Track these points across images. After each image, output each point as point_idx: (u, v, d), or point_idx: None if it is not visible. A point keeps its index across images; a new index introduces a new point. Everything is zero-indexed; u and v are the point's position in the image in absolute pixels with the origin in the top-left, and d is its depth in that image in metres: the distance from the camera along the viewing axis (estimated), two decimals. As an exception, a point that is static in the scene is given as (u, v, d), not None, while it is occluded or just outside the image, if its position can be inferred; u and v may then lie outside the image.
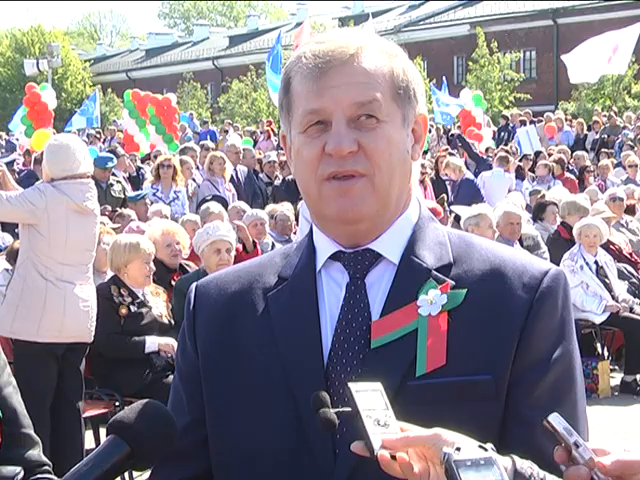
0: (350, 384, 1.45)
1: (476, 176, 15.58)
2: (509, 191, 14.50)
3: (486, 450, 1.35)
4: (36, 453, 2.04)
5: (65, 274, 6.22)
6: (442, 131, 23.10)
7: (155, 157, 14.91)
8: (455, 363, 1.62)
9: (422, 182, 14.68)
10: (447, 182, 15.32)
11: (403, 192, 1.73)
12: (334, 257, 1.75)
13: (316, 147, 1.67)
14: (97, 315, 6.35)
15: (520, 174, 16.42)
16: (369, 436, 1.39)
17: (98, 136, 25.43)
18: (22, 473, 1.94)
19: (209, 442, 1.76)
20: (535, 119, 24.90)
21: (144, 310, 6.75)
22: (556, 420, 1.41)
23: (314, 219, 1.78)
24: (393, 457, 1.38)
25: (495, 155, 16.88)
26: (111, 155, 14.61)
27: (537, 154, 18.32)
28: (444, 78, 25.11)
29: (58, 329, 6.14)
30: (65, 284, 6.20)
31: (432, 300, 1.66)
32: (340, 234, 1.73)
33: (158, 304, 6.89)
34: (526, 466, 1.43)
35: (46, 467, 2.04)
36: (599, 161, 18.62)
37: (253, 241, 8.48)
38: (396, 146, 1.69)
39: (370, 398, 1.43)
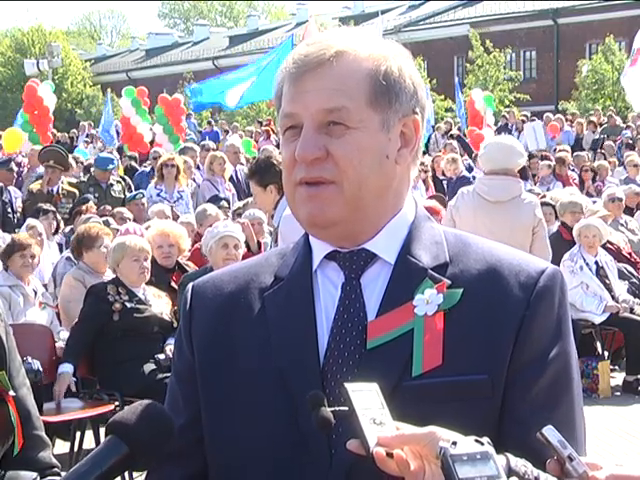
0: (346, 384, 1.45)
1: (475, 176, 15.62)
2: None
3: (482, 444, 1.35)
4: (47, 455, 2.05)
5: None
6: (442, 131, 23.10)
7: (154, 159, 14.83)
8: (451, 363, 1.62)
9: (425, 182, 14.74)
10: (444, 182, 15.36)
11: (385, 196, 1.71)
12: (330, 257, 1.74)
13: (290, 151, 1.68)
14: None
15: (523, 174, 16.37)
16: (365, 434, 1.39)
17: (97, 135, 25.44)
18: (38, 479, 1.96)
19: (205, 441, 1.76)
20: (534, 118, 24.90)
21: (142, 307, 6.79)
22: (550, 433, 1.41)
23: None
24: (389, 455, 1.38)
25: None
26: (112, 157, 14.55)
27: (532, 156, 18.33)
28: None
29: None
30: None
31: (428, 300, 1.65)
32: (318, 237, 1.74)
33: (159, 304, 6.92)
34: (520, 464, 1.43)
35: (55, 469, 2.04)
36: (594, 161, 18.59)
37: (258, 241, 8.50)
38: (369, 152, 1.66)
39: (366, 397, 1.43)
